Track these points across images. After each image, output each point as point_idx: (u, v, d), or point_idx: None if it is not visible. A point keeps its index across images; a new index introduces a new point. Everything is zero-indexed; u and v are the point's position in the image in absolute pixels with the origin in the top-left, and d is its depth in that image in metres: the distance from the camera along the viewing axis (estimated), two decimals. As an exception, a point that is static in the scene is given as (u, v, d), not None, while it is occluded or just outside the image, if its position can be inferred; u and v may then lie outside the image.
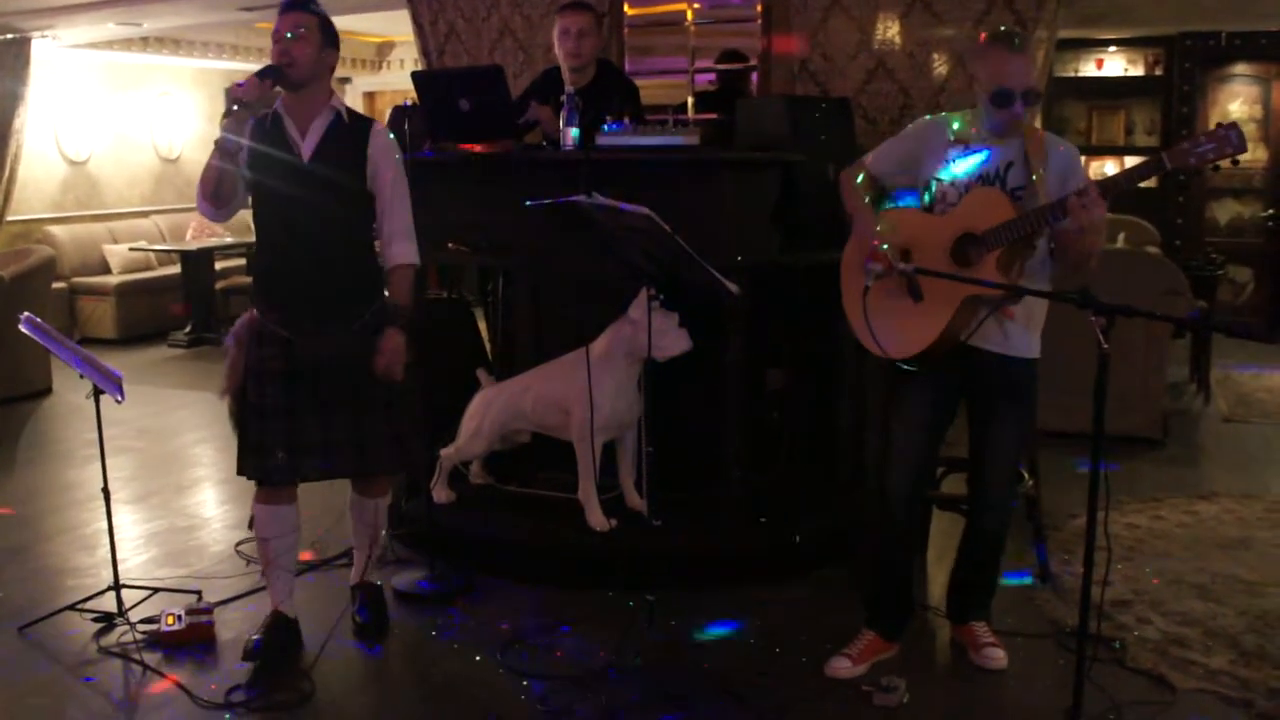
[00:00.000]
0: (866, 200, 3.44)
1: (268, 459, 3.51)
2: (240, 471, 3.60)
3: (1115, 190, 3.02)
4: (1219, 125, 2.88)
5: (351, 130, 3.52)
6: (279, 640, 3.64)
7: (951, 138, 3.32)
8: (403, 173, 3.60)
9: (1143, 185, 10.20)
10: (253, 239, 10.30)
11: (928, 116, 3.55)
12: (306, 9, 3.46)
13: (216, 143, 3.38)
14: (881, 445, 3.57)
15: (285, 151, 3.47)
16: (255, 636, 3.62)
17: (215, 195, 3.48)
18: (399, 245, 3.59)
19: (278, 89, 3.45)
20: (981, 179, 3.24)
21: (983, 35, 3.32)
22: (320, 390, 3.50)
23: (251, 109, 3.39)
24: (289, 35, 3.41)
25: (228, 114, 3.35)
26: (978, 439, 3.47)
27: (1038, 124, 3.56)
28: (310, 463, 3.55)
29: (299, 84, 3.45)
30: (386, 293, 3.62)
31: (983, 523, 3.55)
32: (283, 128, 3.49)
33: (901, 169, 3.45)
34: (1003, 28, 3.42)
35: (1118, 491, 4.49)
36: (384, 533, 3.97)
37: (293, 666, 3.58)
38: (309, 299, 3.49)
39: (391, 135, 3.64)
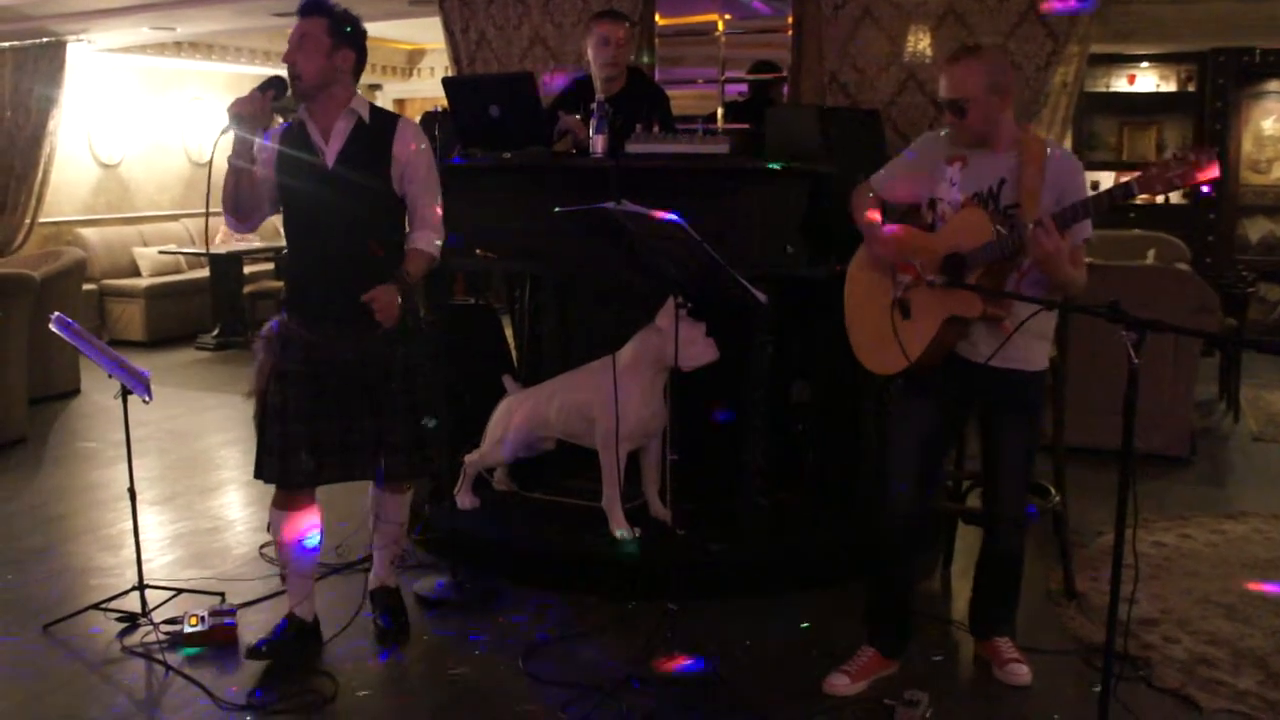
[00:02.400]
0: (878, 217, 3.43)
1: (288, 462, 3.50)
2: (258, 475, 3.58)
3: (1074, 220, 3.01)
4: (1191, 149, 2.86)
5: (374, 131, 3.49)
6: (289, 642, 3.64)
7: (949, 153, 3.32)
8: (433, 168, 3.58)
9: (1174, 201, 10.15)
10: (282, 243, 10.38)
11: (928, 132, 3.55)
12: (312, 14, 3.40)
13: (229, 160, 3.38)
14: (880, 459, 3.56)
15: (310, 156, 3.46)
16: (261, 636, 3.65)
17: (236, 209, 3.48)
18: (421, 234, 3.55)
19: (285, 98, 3.41)
20: (976, 196, 3.24)
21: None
22: (340, 393, 3.50)
23: (250, 124, 3.34)
24: (294, 44, 3.39)
25: (224, 131, 3.31)
26: (988, 453, 3.47)
27: (1065, 137, 3.55)
28: (330, 466, 3.56)
29: (309, 92, 3.42)
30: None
31: (999, 536, 3.54)
32: (307, 134, 3.48)
33: (905, 186, 3.46)
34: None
35: (1145, 509, 4.46)
36: (405, 530, 3.97)
37: (307, 667, 3.59)
38: (335, 302, 3.46)
39: (419, 130, 3.58)
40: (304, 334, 3.50)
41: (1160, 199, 10.20)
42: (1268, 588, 4.25)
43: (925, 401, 3.39)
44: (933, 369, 3.28)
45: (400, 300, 3.41)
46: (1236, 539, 4.81)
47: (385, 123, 3.52)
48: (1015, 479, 3.44)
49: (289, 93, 3.41)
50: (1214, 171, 2.80)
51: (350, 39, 3.44)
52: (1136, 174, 2.90)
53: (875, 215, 3.41)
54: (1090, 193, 3.09)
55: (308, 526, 3.65)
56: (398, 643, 3.79)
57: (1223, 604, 4.10)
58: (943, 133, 3.40)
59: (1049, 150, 3.20)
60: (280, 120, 3.62)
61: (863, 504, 4.65)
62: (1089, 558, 4.52)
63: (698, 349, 3.98)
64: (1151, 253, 8.25)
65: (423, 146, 3.55)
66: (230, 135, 3.34)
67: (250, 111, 3.32)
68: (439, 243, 3.58)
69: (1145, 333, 2.52)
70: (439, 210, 3.58)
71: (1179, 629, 3.87)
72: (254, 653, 3.59)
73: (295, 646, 3.65)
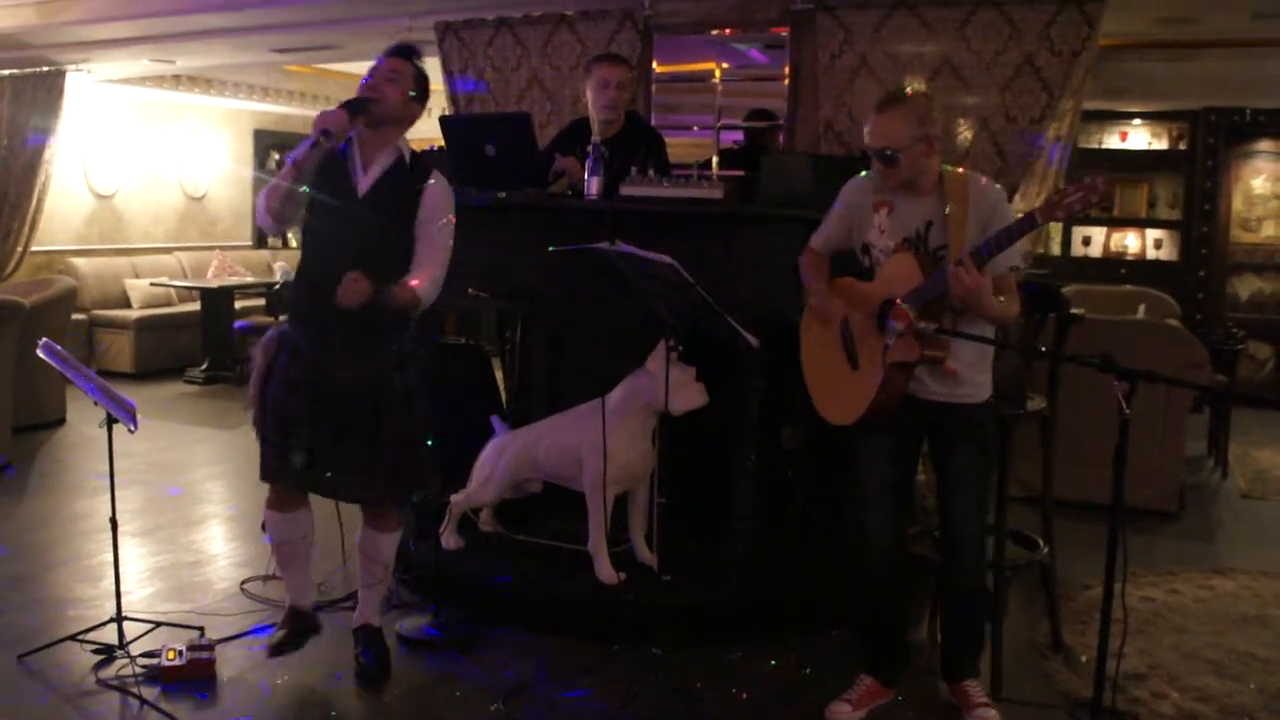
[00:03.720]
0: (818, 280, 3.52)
1: (283, 459, 3.61)
2: (261, 475, 3.72)
3: (990, 255, 3.06)
4: (1085, 177, 2.93)
5: (411, 175, 3.58)
6: (299, 631, 3.92)
7: (875, 198, 3.35)
8: (449, 227, 3.62)
9: (1164, 258, 10.23)
10: (273, 280, 10.38)
11: (851, 179, 3.56)
12: (408, 58, 3.61)
13: (294, 162, 3.44)
14: (855, 499, 3.57)
15: (344, 180, 3.55)
16: (279, 632, 3.90)
17: (280, 212, 3.53)
18: (416, 274, 3.52)
19: (358, 122, 3.51)
20: (905, 241, 3.28)
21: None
22: (338, 412, 3.57)
23: (334, 140, 3.44)
24: (385, 75, 3.55)
25: (315, 145, 3.38)
26: (940, 489, 3.47)
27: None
28: (323, 475, 3.63)
29: (380, 121, 3.54)
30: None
31: (958, 577, 3.51)
32: (349, 158, 3.57)
33: (840, 238, 3.52)
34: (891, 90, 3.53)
35: (1133, 563, 4.42)
36: (390, 571, 3.97)
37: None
38: (340, 325, 3.48)
39: (447, 186, 3.67)
40: (304, 348, 3.58)
41: (1151, 254, 10.29)
42: (1257, 648, 4.22)
43: (884, 439, 3.42)
44: (887, 414, 3.30)
45: (369, 295, 3.34)
46: (1225, 595, 4.80)
47: (421, 170, 3.61)
48: (971, 514, 3.43)
49: (366, 114, 3.51)
50: (1107, 196, 2.91)
51: (423, 96, 3.66)
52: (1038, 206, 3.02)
53: (818, 282, 3.50)
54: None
55: (301, 527, 3.83)
56: (379, 681, 3.76)
57: (1211, 660, 4.07)
58: (863, 175, 3.46)
59: (971, 182, 3.26)
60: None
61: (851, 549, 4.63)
62: (1076, 611, 4.50)
63: (687, 393, 3.97)
64: (1142, 308, 8.28)
65: (447, 205, 3.61)
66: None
67: (338, 128, 3.42)
68: (428, 293, 3.55)
69: (1137, 383, 2.52)
70: (441, 264, 3.59)
71: (1167, 684, 3.85)
72: (272, 649, 3.84)
73: (299, 634, 3.91)
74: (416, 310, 3.57)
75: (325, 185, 3.52)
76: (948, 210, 3.19)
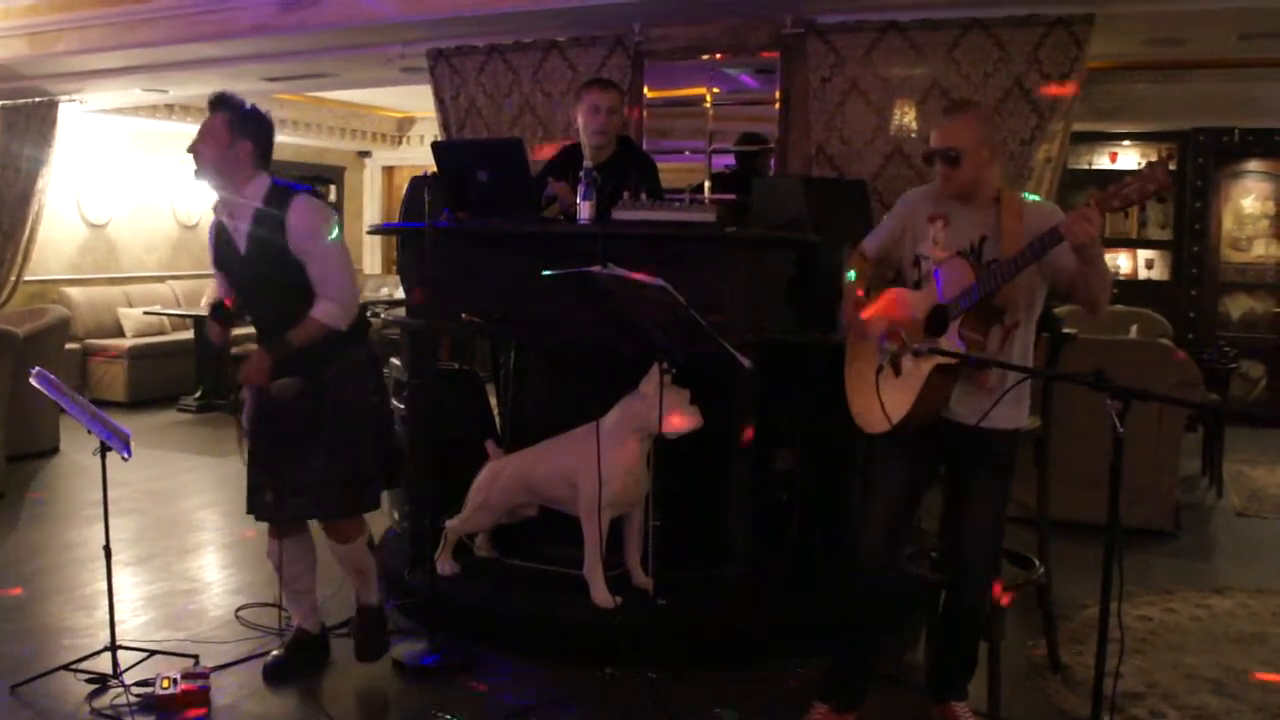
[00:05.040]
0: (862, 289, 3.49)
1: (255, 496, 3.82)
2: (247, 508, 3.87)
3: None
4: (1147, 163, 2.91)
5: (270, 218, 3.65)
6: (302, 657, 4.00)
7: (931, 210, 3.36)
8: (328, 240, 3.70)
9: (1156, 278, 10.23)
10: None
11: (909, 191, 3.59)
12: (217, 109, 3.68)
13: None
14: (860, 514, 3.58)
15: (229, 244, 3.77)
16: (277, 653, 3.99)
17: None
18: (321, 305, 3.69)
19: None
20: (959, 254, 3.28)
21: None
22: (278, 432, 3.76)
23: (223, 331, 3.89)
24: (199, 136, 3.68)
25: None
26: (955, 512, 3.46)
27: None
28: (293, 504, 3.79)
29: (206, 176, 3.69)
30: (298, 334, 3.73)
31: (961, 599, 3.51)
32: (231, 228, 3.75)
33: (894, 247, 3.51)
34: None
35: (1129, 583, 4.42)
36: (361, 573, 4.04)
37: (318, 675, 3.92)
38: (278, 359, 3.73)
39: (314, 204, 3.72)
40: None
41: (1143, 274, 10.32)
42: (1255, 666, 4.21)
43: (902, 462, 3.42)
44: (925, 426, 3.28)
45: (271, 363, 3.67)
46: (1222, 613, 4.79)
47: (280, 208, 3.66)
48: (984, 540, 3.43)
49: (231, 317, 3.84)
50: (1168, 183, 2.88)
51: (248, 130, 3.69)
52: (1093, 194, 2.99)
53: (859, 292, 3.47)
54: None
55: (297, 551, 3.95)
56: (371, 656, 3.99)
57: (1209, 679, 4.06)
58: (923, 189, 3.47)
59: (1026, 202, 3.28)
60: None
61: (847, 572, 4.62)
62: (1073, 630, 4.49)
63: (682, 416, 3.97)
64: (1134, 328, 8.30)
65: (312, 225, 3.67)
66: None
67: (218, 338, 3.90)
68: (333, 315, 3.70)
69: (1130, 401, 2.52)
70: (339, 279, 3.72)
71: (1165, 703, 3.84)
72: (271, 671, 3.90)
73: (308, 659, 4.01)
74: (333, 330, 3.71)
75: (224, 259, 3.82)
76: (1003, 224, 3.20)
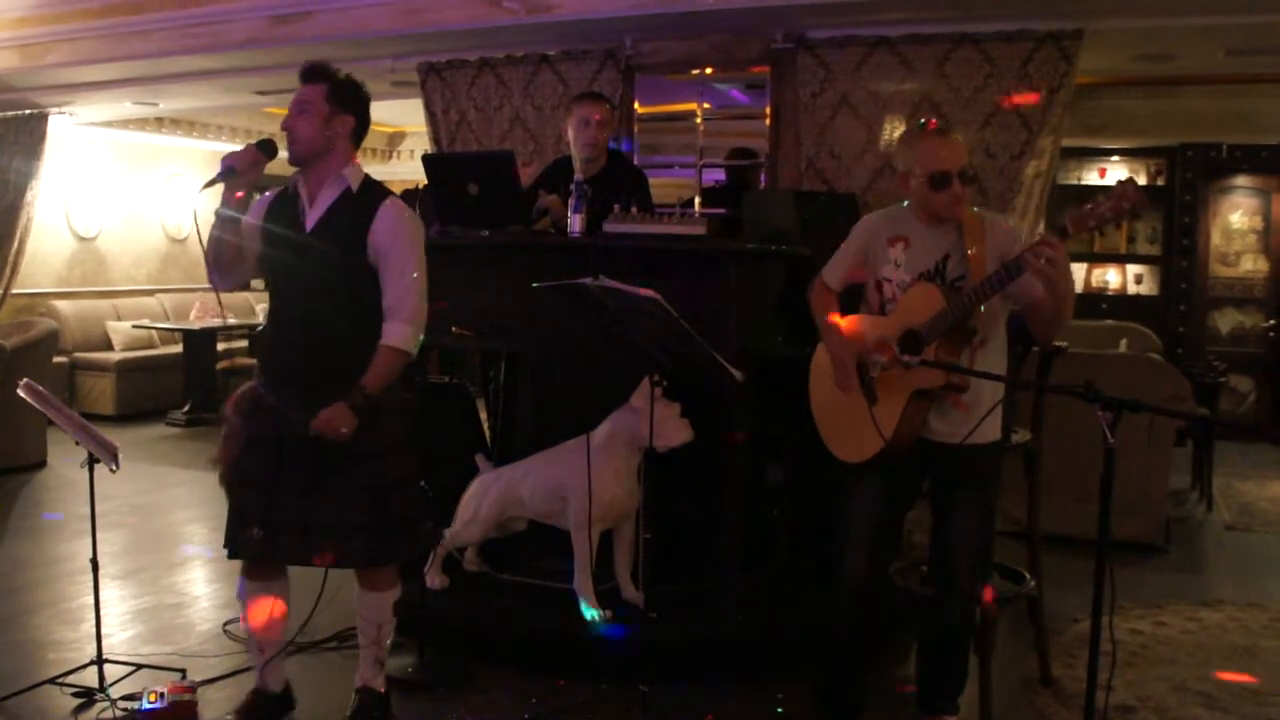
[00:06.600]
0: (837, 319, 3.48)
1: (241, 532, 3.39)
2: (225, 544, 3.47)
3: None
4: (1118, 182, 2.91)
5: (359, 203, 3.35)
6: (259, 713, 3.56)
7: (890, 233, 3.36)
8: (412, 251, 3.37)
9: (1145, 293, 10.25)
10: (256, 321, 10.35)
11: (865, 215, 3.59)
12: (314, 80, 3.36)
13: (216, 213, 3.37)
14: (840, 532, 3.55)
15: (293, 222, 3.39)
16: (228, 716, 3.59)
17: (216, 263, 3.43)
18: (391, 325, 3.34)
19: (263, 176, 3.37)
20: (922, 275, 3.27)
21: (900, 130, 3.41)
22: (303, 467, 3.32)
23: (241, 179, 3.31)
24: (294, 109, 3.35)
25: (217, 180, 3.30)
26: (941, 528, 3.45)
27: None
28: (289, 543, 3.36)
29: (302, 159, 3.37)
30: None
31: (950, 614, 3.50)
32: (297, 197, 3.43)
33: (855, 273, 3.50)
34: (922, 120, 3.55)
35: (1120, 597, 4.42)
36: (386, 632, 3.66)
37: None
38: (307, 373, 3.35)
39: (408, 210, 3.42)
40: (271, 400, 3.40)
41: (1132, 289, 10.35)
42: (1245, 677, 4.21)
43: (882, 478, 3.40)
44: (904, 450, 3.28)
45: (352, 416, 3.23)
46: (1212, 627, 4.79)
47: (373, 198, 3.37)
48: (971, 555, 3.42)
49: (275, 156, 3.39)
50: (1140, 200, 2.87)
51: (352, 105, 3.38)
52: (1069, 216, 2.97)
53: (834, 317, 3.46)
54: None
55: (272, 606, 3.52)
56: None
57: (1200, 692, 4.06)
58: (879, 212, 3.49)
59: (987, 220, 3.29)
60: (259, 195, 3.59)
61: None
62: (1064, 644, 4.48)
63: (672, 429, 3.96)
64: (1124, 343, 8.32)
65: (402, 229, 3.36)
66: (214, 191, 3.36)
67: (244, 165, 3.30)
68: (413, 336, 3.36)
69: (1121, 412, 2.52)
70: (415, 299, 3.37)
71: (1156, 716, 3.83)
72: None
73: (265, 715, 3.58)
74: (409, 358, 3.37)
75: (274, 232, 3.41)
76: (970, 251, 3.19)
